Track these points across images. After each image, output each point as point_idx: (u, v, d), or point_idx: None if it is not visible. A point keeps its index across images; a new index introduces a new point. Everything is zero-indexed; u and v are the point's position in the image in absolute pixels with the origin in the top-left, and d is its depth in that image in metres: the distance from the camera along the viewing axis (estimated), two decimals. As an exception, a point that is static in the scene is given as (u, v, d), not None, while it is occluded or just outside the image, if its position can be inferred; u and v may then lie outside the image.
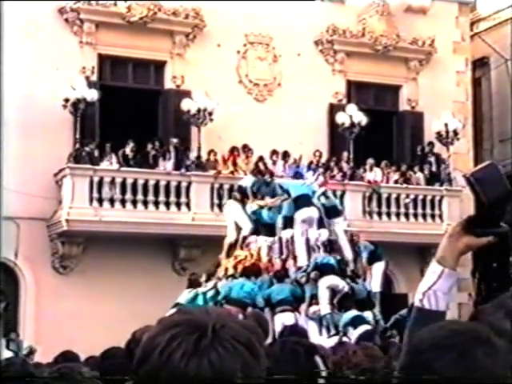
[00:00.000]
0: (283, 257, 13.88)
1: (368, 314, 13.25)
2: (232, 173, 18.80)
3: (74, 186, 17.70)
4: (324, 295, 13.18)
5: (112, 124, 18.28)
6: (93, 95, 18.13)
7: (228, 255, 14.07)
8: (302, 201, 14.11)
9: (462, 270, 2.22)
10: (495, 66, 23.08)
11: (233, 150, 19.37)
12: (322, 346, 7.06)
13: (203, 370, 1.30)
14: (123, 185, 18.16)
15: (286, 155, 19.57)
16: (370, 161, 20.34)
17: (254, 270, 13.62)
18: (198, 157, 19.01)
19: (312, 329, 12.39)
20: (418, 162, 21.15)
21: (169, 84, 19.86)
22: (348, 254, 14.34)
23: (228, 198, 18.10)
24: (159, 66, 19.98)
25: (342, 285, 13.36)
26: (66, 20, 19.00)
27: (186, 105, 18.99)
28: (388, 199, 20.24)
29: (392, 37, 21.35)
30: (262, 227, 14.18)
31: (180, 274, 18.29)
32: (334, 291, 13.33)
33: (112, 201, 18.07)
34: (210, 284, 13.84)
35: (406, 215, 20.32)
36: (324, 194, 14.93)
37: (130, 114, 18.39)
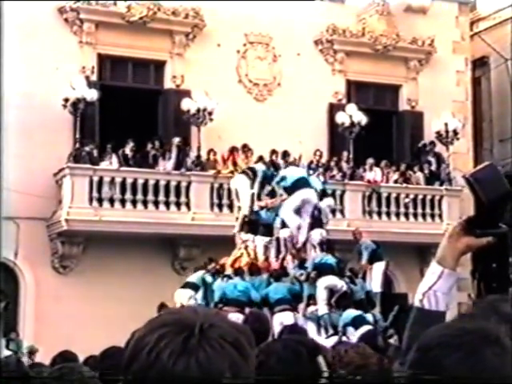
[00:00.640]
0: (281, 256, 13.88)
1: (367, 315, 13.24)
2: (232, 172, 18.76)
3: (73, 185, 17.70)
4: (322, 295, 13.18)
5: (112, 124, 18.28)
6: (92, 95, 18.13)
7: (242, 229, 14.09)
8: (301, 183, 14.11)
9: (461, 269, 2.22)
10: (495, 66, 23.08)
11: (232, 149, 19.37)
12: (325, 347, 7.05)
13: (191, 370, 1.30)
14: (123, 184, 18.16)
15: (285, 155, 19.56)
16: (370, 160, 20.34)
17: (252, 269, 13.62)
18: (198, 156, 19.02)
19: (310, 329, 12.38)
20: (416, 159, 21.16)
21: (168, 84, 19.86)
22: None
23: (228, 198, 18.13)
24: (159, 65, 19.98)
25: (341, 284, 13.36)
26: (66, 20, 19.00)
27: (185, 104, 18.99)
28: (388, 199, 20.24)
29: (392, 36, 21.35)
30: (261, 227, 14.17)
31: (180, 274, 18.29)
32: (332, 291, 13.32)
33: (112, 201, 18.07)
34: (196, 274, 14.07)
35: (406, 215, 20.32)
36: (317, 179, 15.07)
37: (130, 114, 18.39)
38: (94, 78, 19.02)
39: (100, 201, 17.95)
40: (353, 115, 20.09)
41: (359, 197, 19.91)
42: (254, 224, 14.18)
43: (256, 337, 1.42)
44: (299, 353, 2.36)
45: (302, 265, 13.70)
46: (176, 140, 18.95)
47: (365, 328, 12.52)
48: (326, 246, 14.05)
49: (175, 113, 19.31)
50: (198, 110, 18.87)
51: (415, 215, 20.39)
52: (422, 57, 21.76)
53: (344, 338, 11.88)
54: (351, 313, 13.12)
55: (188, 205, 18.57)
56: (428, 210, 20.48)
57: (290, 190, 13.91)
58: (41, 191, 17.61)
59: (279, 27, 20.29)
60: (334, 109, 20.68)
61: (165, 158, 18.91)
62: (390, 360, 3.21)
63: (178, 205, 18.56)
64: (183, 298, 13.76)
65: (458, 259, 2.06)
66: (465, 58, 22.51)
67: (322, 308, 13.10)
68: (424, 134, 21.46)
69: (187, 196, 18.60)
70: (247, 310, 11.63)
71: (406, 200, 20.28)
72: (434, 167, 21.04)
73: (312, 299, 13.27)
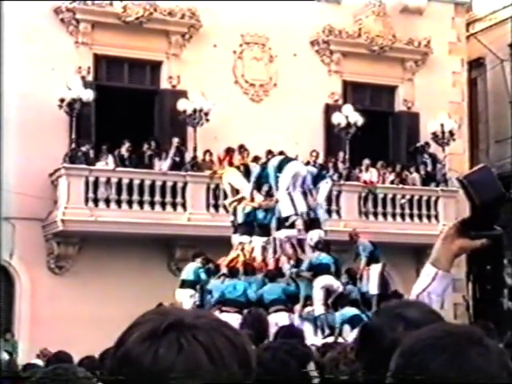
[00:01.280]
0: (276, 256, 13.87)
1: (363, 316, 13.24)
2: (228, 172, 18.77)
3: (69, 186, 17.68)
4: (318, 296, 13.17)
5: (108, 124, 18.26)
6: (88, 95, 18.12)
7: (236, 231, 14.21)
8: (286, 161, 14.12)
9: (456, 270, 2.22)
10: (491, 67, 23.11)
11: (228, 150, 19.36)
12: (315, 349, 7.04)
13: (148, 356, 1.30)
14: (119, 185, 18.14)
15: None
16: (366, 161, 20.35)
17: (247, 269, 13.62)
18: (194, 157, 19.01)
19: (307, 329, 12.37)
20: (412, 159, 21.18)
21: (165, 84, 19.85)
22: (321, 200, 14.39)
23: (224, 199, 18.11)
24: (155, 66, 19.97)
25: (337, 285, 13.35)
26: (62, 20, 18.98)
27: (181, 105, 18.98)
28: (384, 199, 20.25)
29: (388, 37, 21.36)
30: (257, 228, 14.17)
31: (176, 275, 18.25)
32: (328, 291, 13.31)
33: (107, 201, 18.05)
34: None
35: (402, 216, 20.33)
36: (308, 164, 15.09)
37: (126, 114, 18.37)
38: (90, 78, 19.00)
39: (96, 201, 17.93)
40: (349, 116, 20.10)
41: (355, 197, 19.92)
42: (249, 225, 14.17)
43: (255, 336, 1.41)
44: (287, 363, 2.36)
45: (297, 265, 13.70)
46: (175, 140, 18.94)
47: None
48: (323, 246, 14.05)
49: (171, 113, 19.30)
50: (195, 111, 18.87)
51: (411, 216, 20.41)
52: (418, 58, 21.78)
53: (340, 339, 11.86)
54: (349, 311, 13.10)
55: (184, 205, 18.56)
56: (424, 211, 20.49)
57: (279, 171, 14.00)
58: (36, 191, 17.58)
59: (275, 28, 20.29)
60: (330, 109, 20.69)
61: (161, 158, 18.90)
62: None
63: (174, 205, 18.55)
64: (184, 297, 13.77)
65: (452, 261, 2.06)
66: (461, 59, 22.54)
67: (318, 308, 13.09)
68: (420, 135, 21.48)
69: (183, 196, 18.59)
70: (245, 311, 11.62)
71: (402, 201, 20.30)
72: (429, 168, 21.06)
73: (309, 300, 13.27)
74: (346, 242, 16.04)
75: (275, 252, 13.96)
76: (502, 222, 2.09)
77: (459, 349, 1.46)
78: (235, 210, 14.60)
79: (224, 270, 13.89)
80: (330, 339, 11.93)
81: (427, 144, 21.14)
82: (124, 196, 18.15)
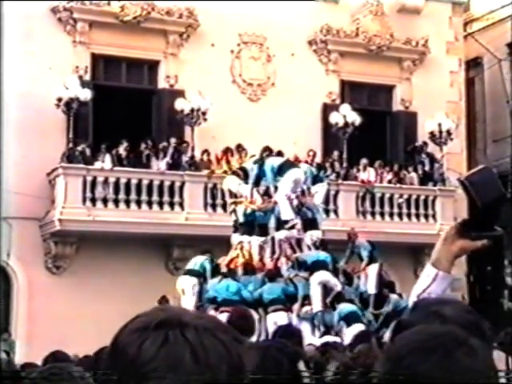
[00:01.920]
0: (275, 256, 13.87)
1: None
2: (225, 172, 18.71)
3: (66, 185, 17.67)
4: (316, 292, 13.15)
5: (105, 124, 18.25)
6: (86, 95, 18.10)
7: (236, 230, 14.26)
8: (287, 166, 14.14)
9: (456, 270, 2.22)
10: (488, 67, 23.12)
11: (226, 150, 19.36)
12: (309, 349, 7.03)
13: (136, 349, 1.32)
14: (116, 184, 18.13)
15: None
16: (364, 161, 20.35)
17: (247, 269, 13.62)
18: (192, 156, 19.00)
19: (305, 329, 12.36)
20: (410, 159, 21.19)
21: (162, 84, 19.84)
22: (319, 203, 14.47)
23: (222, 198, 18.13)
24: (153, 65, 19.96)
25: (334, 281, 13.33)
26: (59, 19, 18.96)
27: (179, 104, 18.98)
28: (381, 199, 20.25)
29: (386, 37, 21.37)
30: (257, 228, 14.17)
31: (173, 274, 18.24)
32: (325, 288, 13.30)
33: (105, 200, 18.04)
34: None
35: (400, 215, 20.33)
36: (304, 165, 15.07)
37: (124, 114, 18.37)
38: (87, 77, 18.99)
39: (93, 201, 17.92)
40: (347, 115, 20.10)
41: (353, 197, 19.92)
42: (249, 225, 14.17)
43: (240, 334, 1.41)
44: (279, 362, 2.35)
45: (296, 266, 13.70)
46: (173, 140, 18.94)
47: (356, 327, 12.51)
48: (320, 245, 14.05)
49: (169, 113, 19.29)
50: (192, 110, 18.86)
51: (409, 215, 20.41)
52: (415, 57, 21.78)
53: (337, 338, 11.85)
54: (347, 307, 13.09)
55: (182, 205, 18.56)
56: (422, 211, 20.50)
57: (278, 174, 14.02)
58: (34, 191, 17.57)
59: (273, 27, 20.29)
60: (327, 109, 20.69)
61: (158, 157, 18.89)
62: None
63: (171, 205, 18.54)
64: (187, 285, 13.77)
65: (452, 262, 2.06)
66: (458, 59, 22.55)
67: (316, 305, 13.08)
68: (418, 135, 21.49)
69: (181, 196, 18.59)
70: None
71: (400, 200, 20.30)
72: (427, 168, 21.06)
73: (307, 299, 13.26)
74: (343, 242, 16.05)
75: (274, 252, 13.96)
76: (502, 223, 2.09)
77: (447, 350, 1.47)
78: (235, 209, 14.60)
79: (224, 270, 13.89)
80: (327, 338, 11.93)
81: (425, 144, 21.15)
82: (122, 195, 18.15)
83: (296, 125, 19.94)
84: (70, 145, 18.11)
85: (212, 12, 19.70)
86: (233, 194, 14.75)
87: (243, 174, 14.58)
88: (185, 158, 18.97)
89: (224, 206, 17.77)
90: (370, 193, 20.14)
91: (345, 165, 20.27)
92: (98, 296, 17.58)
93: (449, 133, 20.94)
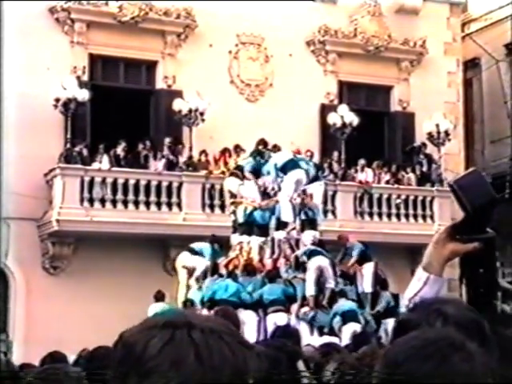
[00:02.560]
0: (275, 256, 13.88)
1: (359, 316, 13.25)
2: (223, 173, 18.72)
3: (64, 186, 17.65)
4: (311, 277, 13.22)
5: (103, 124, 18.24)
6: (84, 95, 18.09)
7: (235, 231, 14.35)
8: (291, 165, 14.18)
9: (451, 270, 2.21)
10: (486, 67, 23.12)
11: (224, 150, 19.35)
12: (308, 350, 7.03)
13: (143, 345, 1.35)
14: (114, 185, 18.12)
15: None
16: (362, 161, 20.35)
17: (248, 269, 13.63)
18: (190, 157, 18.99)
19: (303, 329, 12.37)
20: (407, 159, 21.19)
21: (160, 84, 19.83)
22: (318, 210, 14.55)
23: (220, 199, 18.12)
24: (151, 65, 19.94)
25: (330, 270, 13.38)
26: (57, 19, 18.94)
27: (177, 105, 18.96)
28: (379, 200, 20.25)
29: (383, 37, 21.37)
30: (256, 228, 14.17)
31: (171, 275, 18.22)
32: (321, 289, 13.32)
33: (103, 201, 18.02)
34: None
35: (398, 216, 20.33)
36: (305, 161, 15.08)
37: (122, 114, 18.35)
38: (85, 78, 18.97)
39: (91, 201, 17.91)
40: (344, 116, 20.09)
41: (351, 198, 19.92)
42: (248, 226, 14.18)
43: None
44: (279, 361, 2.34)
45: (295, 266, 13.72)
46: (167, 140, 18.93)
47: (352, 326, 12.52)
48: (319, 246, 14.06)
49: (167, 113, 19.28)
50: (190, 111, 18.84)
51: (406, 216, 20.41)
52: (413, 58, 21.79)
53: (335, 339, 11.84)
54: (346, 304, 13.09)
55: (179, 205, 18.54)
56: (419, 211, 20.50)
57: (281, 172, 14.07)
58: (31, 191, 17.55)
59: (271, 28, 20.29)
60: (325, 109, 20.69)
61: (156, 158, 18.88)
62: None
63: (169, 205, 18.53)
64: (191, 261, 14.00)
65: (444, 265, 2.06)
66: (456, 59, 22.55)
67: (310, 288, 13.14)
68: (415, 135, 21.49)
69: (179, 196, 18.58)
70: (239, 310, 11.60)
71: (398, 201, 20.30)
72: (425, 168, 21.07)
73: (306, 300, 13.28)
74: (341, 243, 16.05)
75: (273, 252, 13.97)
76: (493, 225, 2.08)
77: (443, 356, 1.47)
78: (234, 210, 14.62)
79: (223, 270, 13.89)
80: (326, 338, 11.92)
81: (424, 145, 21.15)
82: (119, 196, 18.13)
83: (294, 125, 19.93)
84: (68, 145, 18.09)
85: (210, 12, 19.69)
86: (233, 195, 14.75)
87: (241, 173, 14.60)
88: (182, 159, 18.97)
89: (222, 207, 17.77)
90: (368, 193, 20.13)
91: (343, 165, 20.27)
92: (95, 296, 17.56)
93: (447, 133, 20.94)
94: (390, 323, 12.33)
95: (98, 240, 17.58)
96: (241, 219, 14.30)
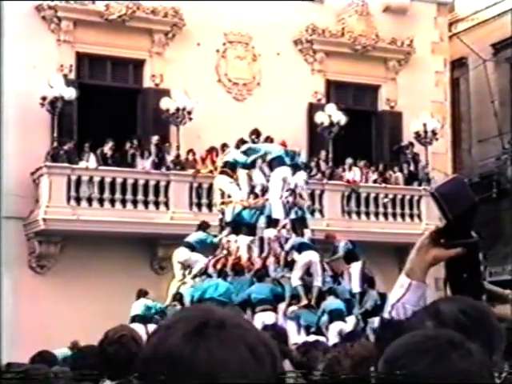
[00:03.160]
0: (264, 255, 13.87)
1: (350, 317, 13.26)
2: (211, 172, 18.72)
3: (51, 184, 17.58)
4: (298, 270, 13.28)
5: (90, 123, 18.18)
6: (71, 93, 18.02)
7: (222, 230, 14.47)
8: (277, 163, 14.29)
9: (440, 269, 2.21)
10: (473, 67, 23.20)
11: (211, 149, 19.32)
12: (295, 348, 7.02)
13: (198, 354, 1.30)
14: (101, 184, 18.07)
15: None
16: (349, 160, 20.37)
17: (237, 269, 13.62)
18: (177, 156, 18.96)
19: (290, 328, 12.37)
20: (395, 158, 21.24)
21: (148, 83, 19.79)
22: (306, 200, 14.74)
23: (207, 198, 18.11)
24: (138, 64, 19.90)
25: (319, 259, 13.46)
26: (44, 18, 18.87)
27: (164, 104, 18.93)
28: (367, 199, 20.28)
29: (371, 37, 21.40)
30: (244, 227, 14.17)
31: (158, 274, 18.24)
32: (308, 287, 13.35)
33: (90, 200, 17.97)
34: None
35: (385, 215, 20.37)
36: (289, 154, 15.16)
37: (109, 113, 18.30)
38: (72, 76, 18.90)
39: (78, 200, 17.85)
40: (332, 115, 20.11)
41: (338, 197, 19.94)
42: (236, 224, 14.18)
43: None
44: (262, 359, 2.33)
45: (285, 266, 13.74)
46: (154, 139, 18.89)
47: (338, 324, 12.54)
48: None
49: (154, 112, 19.24)
50: (178, 110, 18.81)
51: (394, 215, 20.46)
52: (401, 57, 21.83)
53: (322, 338, 11.84)
54: (334, 302, 13.09)
55: (167, 204, 18.51)
56: (407, 210, 20.55)
57: (268, 168, 14.20)
58: (18, 190, 17.48)
59: (259, 27, 20.28)
60: (313, 108, 20.70)
61: (143, 157, 18.84)
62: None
63: (156, 204, 18.49)
64: (185, 255, 14.14)
65: (426, 271, 2.06)
66: (443, 59, 22.62)
67: (295, 279, 13.22)
68: (403, 134, 21.54)
69: (166, 195, 18.54)
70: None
71: (385, 200, 20.34)
72: (412, 167, 21.12)
73: (294, 299, 13.28)
74: (328, 241, 16.07)
75: (262, 251, 13.96)
76: (476, 230, 2.07)
77: (441, 352, 1.48)
78: (223, 210, 14.61)
79: (210, 270, 13.87)
80: (312, 337, 11.93)
81: (411, 144, 21.20)
82: (106, 195, 18.08)
83: (281, 124, 19.91)
84: (55, 144, 18.02)
85: (197, 11, 19.66)
86: (224, 194, 14.74)
87: (231, 171, 14.61)
88: (170, 158, 18.93)
89: (209, 206, 17.75)
90: (356, 192, 20.16)
91: (330, 164, 20.28)
92: (82, 295, 17.51)
93: (434, 133, 20.99)
94: (376, 322, 12.36)
95: (84, 239, 17.53)
96: (229, 218, 14.29)
